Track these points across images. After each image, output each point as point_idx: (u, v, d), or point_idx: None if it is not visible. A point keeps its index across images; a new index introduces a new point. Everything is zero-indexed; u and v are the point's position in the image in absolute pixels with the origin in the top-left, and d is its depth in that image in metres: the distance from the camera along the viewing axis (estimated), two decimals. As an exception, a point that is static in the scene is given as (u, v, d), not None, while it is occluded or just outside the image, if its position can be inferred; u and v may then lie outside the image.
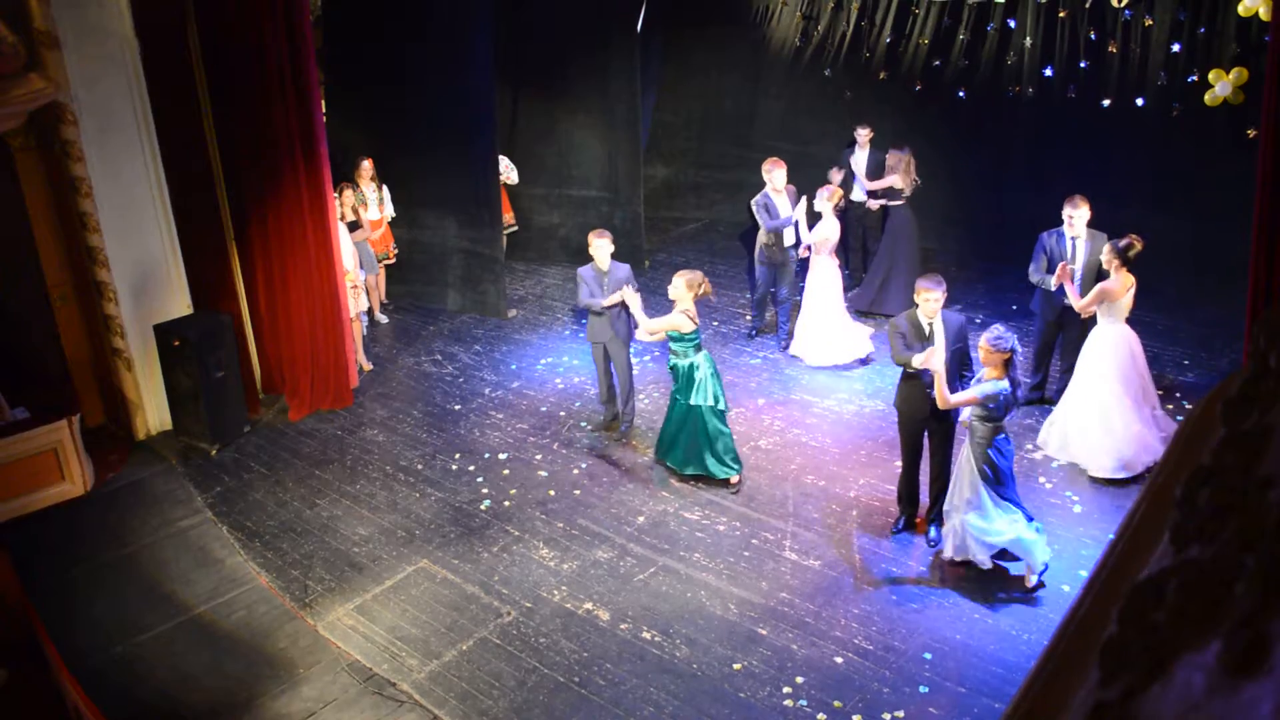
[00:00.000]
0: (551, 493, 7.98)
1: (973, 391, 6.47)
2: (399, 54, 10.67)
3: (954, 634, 6.32)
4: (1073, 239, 8.20)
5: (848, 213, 11.00)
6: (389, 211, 10.87)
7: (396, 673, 6.24)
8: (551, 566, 7.13)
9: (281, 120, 8.45)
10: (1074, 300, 7.83)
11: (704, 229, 13.55)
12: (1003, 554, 6.71)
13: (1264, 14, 9.59)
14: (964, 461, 6.60)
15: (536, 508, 7.79)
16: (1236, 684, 0.83)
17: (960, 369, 6.98)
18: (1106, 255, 7.67)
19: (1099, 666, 0.96)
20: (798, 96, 13.13)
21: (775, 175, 9.77)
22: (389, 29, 10.69)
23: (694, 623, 6.53)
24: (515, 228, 12.03)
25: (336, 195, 9.42)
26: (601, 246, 8.33)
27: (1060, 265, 7.99)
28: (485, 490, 8.05)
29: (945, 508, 6.90)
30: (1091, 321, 8.08)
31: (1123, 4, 10.57)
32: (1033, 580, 6.61)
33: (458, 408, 9.33)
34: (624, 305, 8.28)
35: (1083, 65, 10.91)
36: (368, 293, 10.26)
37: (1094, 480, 7.74)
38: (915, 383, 7.04)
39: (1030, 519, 6.61)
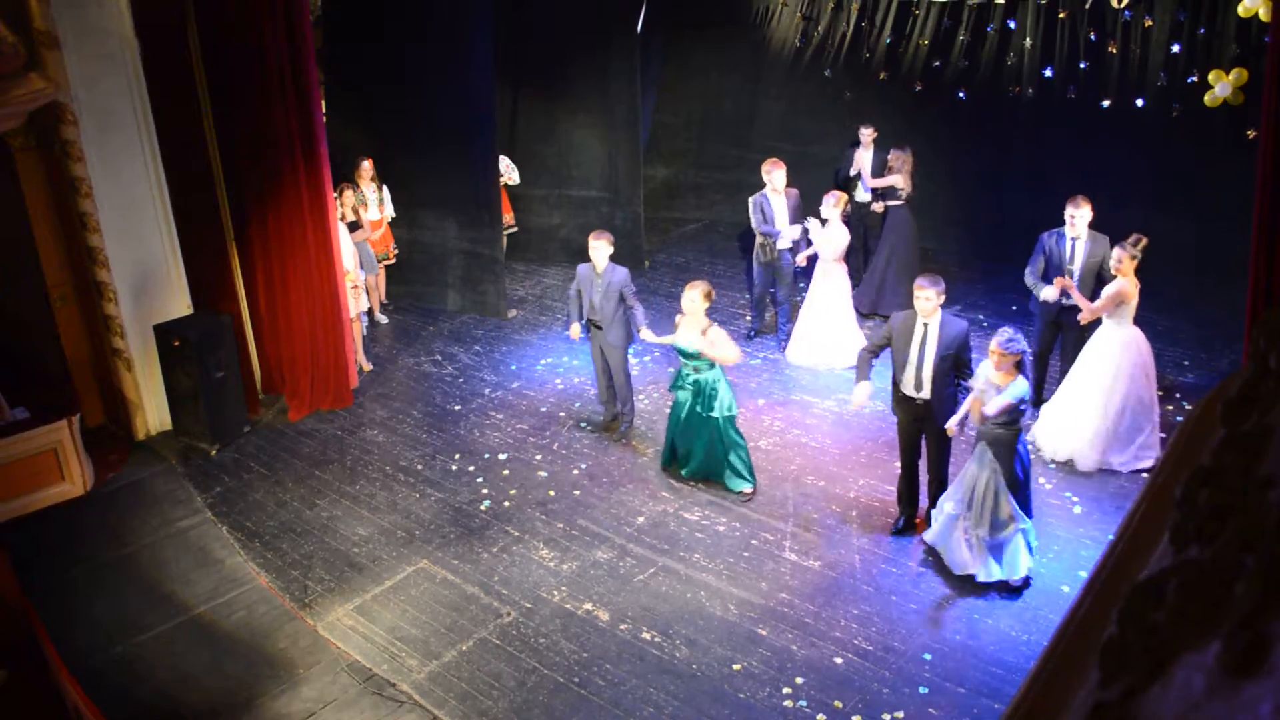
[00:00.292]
0: (551, 493, 7.98)
1: (1006, 398, 6.34)
2: (399, 54, 10.67)
3: (954, 634, 6.33)
4: (1073, 240, 8.20)
5: (851, 215, 11.03)
6: (389, 212, 10.87)
7: (396, 673, 6.24)
8: (551, 567, 7.13)
9: (281, 120, 8.45)
10: (1083, 305, 7.82)
11: (704, 229, 13.55)
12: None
13: (1264, 15, 9.60)
14: (986, 476, 6.46)
15: (536, 508, 7.79)
16: (1236, 684, 0.83)
17: (956, 375, 6.91)
18: (1118, 257, 7.62)
19: (1099, 667, 0.96)
20: (798, 97, 13.14)
21: (775, 176, 9.77)
22: (389, 29, 10.69)
23: (694, 623, 6.53)
24: (515, 228, 12.03)
25: (336, 195, 9.43)
26: (599, 249, 8.32)
27: (1057, 279, 8.00)
28: (485, 491, 8.05)
29: (964, 522, 6.66)
30: (1092, 324, 8.11)
31: (1122, 5, 10.57)
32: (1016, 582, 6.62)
33: (458, 408, 9.33)
34: (620, 307, 8.28)
35: (1083, 66, 10.91)
36: (368, 293, 10.26)
37: (1088, 475, 7.76)
38: (903, 395, 7.08)
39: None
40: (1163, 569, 0.98)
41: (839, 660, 6.16)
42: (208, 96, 8.57)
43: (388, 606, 6.82)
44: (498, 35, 11.19)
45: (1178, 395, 8.91)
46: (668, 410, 9.07)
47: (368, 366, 10.02)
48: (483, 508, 7.83)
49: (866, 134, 10.87)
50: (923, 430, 7.08)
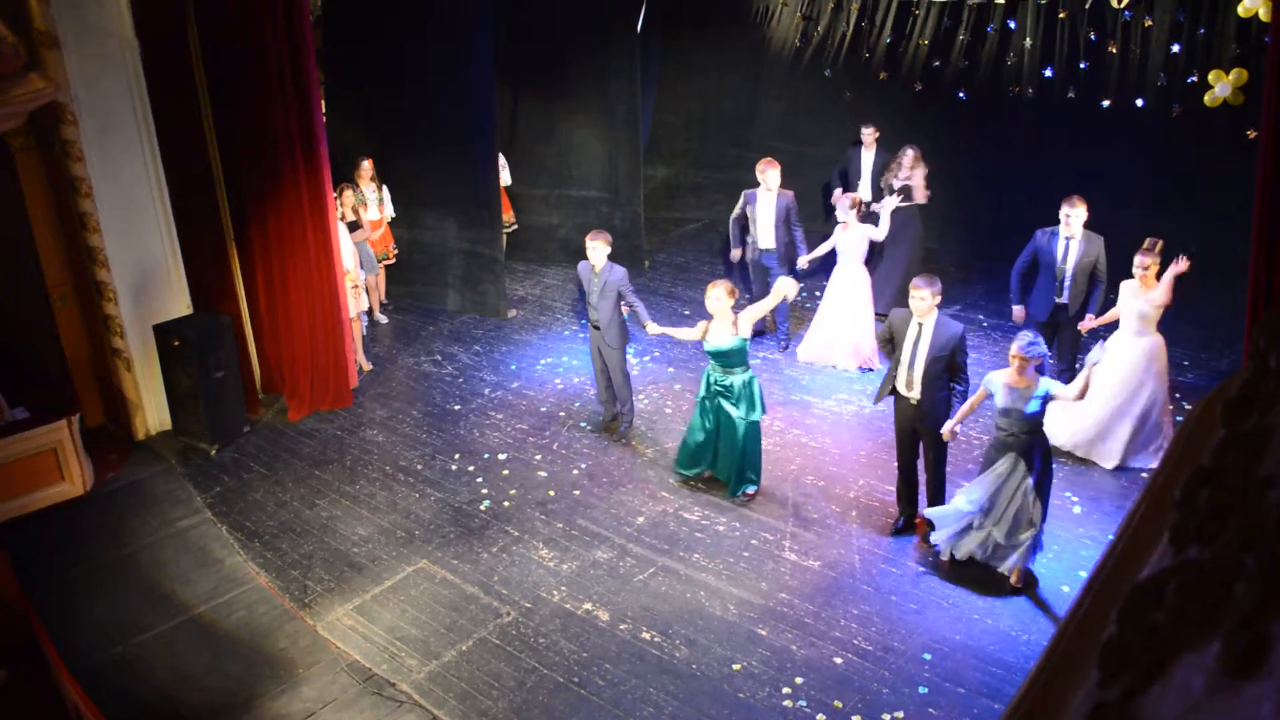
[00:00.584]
0: (551, 493, 7.98)
1: (1071, 388, 6.46)
2: (399, 54, 10.67)
3: (954, 634, 6.32)
4: (1067, 239, 8.22)
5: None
6: (389, 212, 10.87)
7: (396, 673, 6.24)
8: (551, 567, 7.12)
9: (281, 120, 8.45)
10: (1091, 322, 8.00)
11: (704, 229, 13.55)
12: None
13: (1264, 15, 9.60)
14: (1017, 482, 6.42)
15: (536, 508, 7.79)
16: (1236, 685, 0.83)
17: (949, 378, 6.89)
18: (1152, 265, 7.58)
19: (1099, 667, 0.96)
20: (798, 97, 13.13)
21: (769, 175, 9.75)
22: (389, 29, 10.69)
23: (693, 623, 6.53)
24: (515, 226, 12.03)
25: (336, 196, 9.42)
26: (597, 249, 8.31)
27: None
28: (485, 490, 8.05)
29: (980, 519, 6.61)
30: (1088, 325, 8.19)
31: (1122, 5, 10.57)
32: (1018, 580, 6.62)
33: (457, 408, 9.33)
34: (618, 307, 8.28)
35: (1083, 66, 10.91)
36: (368, 293, 10.25)
37: (1088, 475, 7.76)
38: (897, 393, 7.09)
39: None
40: (1163, 569, 0.98)
41: (839, 660, 6.16)
42: (208, 96, 8.57)
43: (387, 606, 6.82)
44: (498, 35, 11.18)
45: (1178, 395, 8.90)
46: (667, 410, 9.09)
47: (367, 366, 10.02)
48: (482, 508, 7.83)
49: (868, 134, 10.85)
50: (917, 430, 7.08)
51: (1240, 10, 9.84)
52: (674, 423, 8.88)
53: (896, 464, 7.39)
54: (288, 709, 6.02)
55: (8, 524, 7.57)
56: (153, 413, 8.89)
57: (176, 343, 8.37)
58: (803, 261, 9.83)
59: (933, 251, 11.67)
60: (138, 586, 7.12)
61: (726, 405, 7.57)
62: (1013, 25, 11.32)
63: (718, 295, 7.40)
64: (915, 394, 6.94)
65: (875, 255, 10.90)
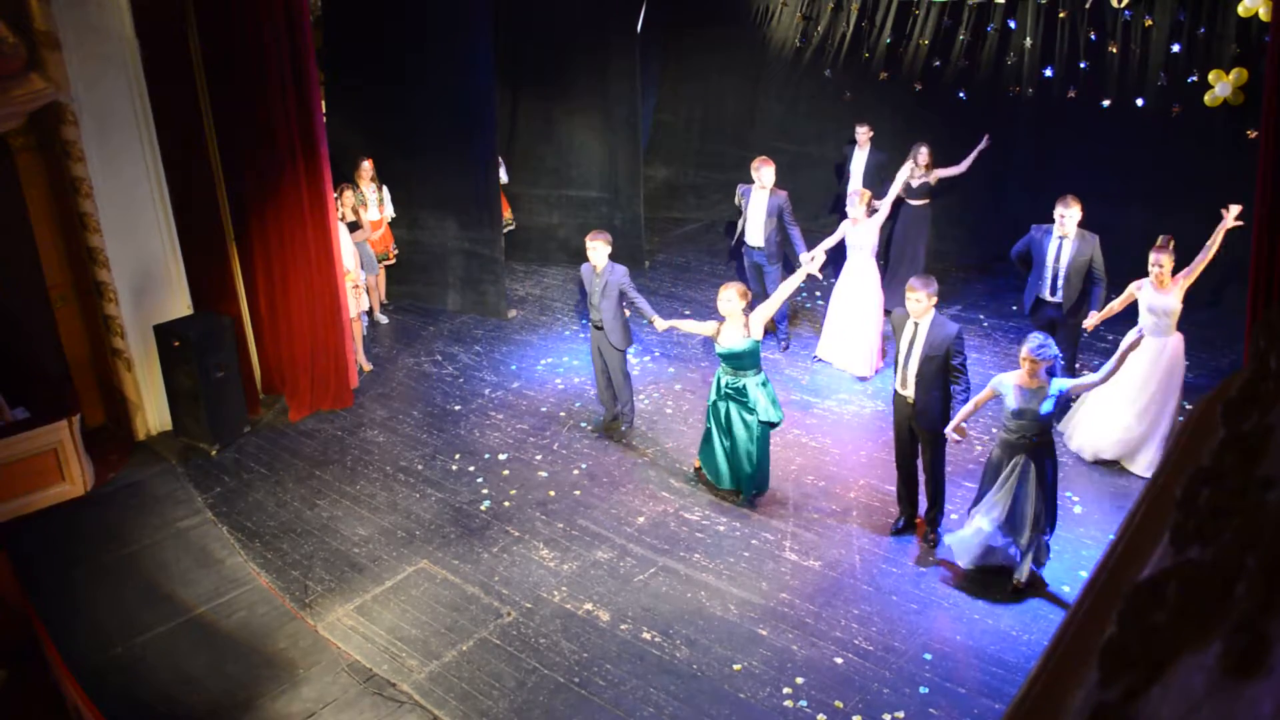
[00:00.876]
0: (551, 493, 7.98)
1: (1088, 380, 6.55)
2: (399, 54, 10.67)
3: (954, 634, 6.32)
4: (1060, 238, 8.22)
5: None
6: (389, 212, 10.87)
7: (396, 673, 6.24)
8: (551, 567, 7.12)
9: (281, 120, 8.45)
10: (1094, 319, 7.99)
11: (704, 229, 13.55)
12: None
13: (1264, 14, 9.60)
14: (1029, 488, 6.41)
15: (536, 508, 7.79)
16: (1237, 685, 0.83)
17: (944, 378, 6.87)
18: (1167, 263, 7.53)
19: (1099, 667, 0.96)
20: (798, 97, 13.14)
21: (763, 173, 9.74)
22: (389, 29, 10.69)
23: (694, 623, 6.53)
24: (513, 225, 12.03)
25: (336, 196, 9.42)
26: (597, 249, 8.30)
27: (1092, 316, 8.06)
28: (485, 491, 8.05)
29: (1004, 538, 6.58)
30: (1082, 324, 8.18)
31: (1123, 4, 10.57)
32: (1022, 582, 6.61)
33: (458, 408, 9.33)
34: (620, 307, 8.29)
35: (1083, 66, 10.91)
36: (368, 293, 10.26)
37: (1089, 475, 7.76)
38: (895, 392, 7.10)
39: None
40: (1163, 569, 0.98)
41: (839, 660, 6.16)
42: (208, 97, 8.57)
43: (388, 607, 6.82)
44: (498, 35, 11.18)
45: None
46: (668, 411, 9.09)
47: (368, 366, 10.02)
48: (483, 508, 7.83)
49: (862, 133, 10.85)
50: (914, 429, 7.08)
51: (1240, 10, 9.84)
52: (674, 423, 8.88)
53: (896, 464, 7.39)
54: (288, 709, 6.02)
55: (8, 524, 7.57)
56: (153, 413, 8.89)
57: (177, 343, 8.37)
58: (806, 257, 9.78)
59: (933, 251, 11.66)
60: (138, 587, 7.12)
61: (739, 408, 7.52)
62: (1013, 25, 11.33)
63: (729, 297, 7.34)
64: (910, 393, 6.96)
65: (888, 253, 10.89)
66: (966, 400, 6.72)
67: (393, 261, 11.08)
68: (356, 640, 6.53)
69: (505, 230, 11.62)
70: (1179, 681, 0.88)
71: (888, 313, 10.24)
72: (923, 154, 10.27)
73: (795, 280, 7.62)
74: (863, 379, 9.47)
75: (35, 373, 8.37)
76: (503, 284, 11.16)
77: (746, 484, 7.65)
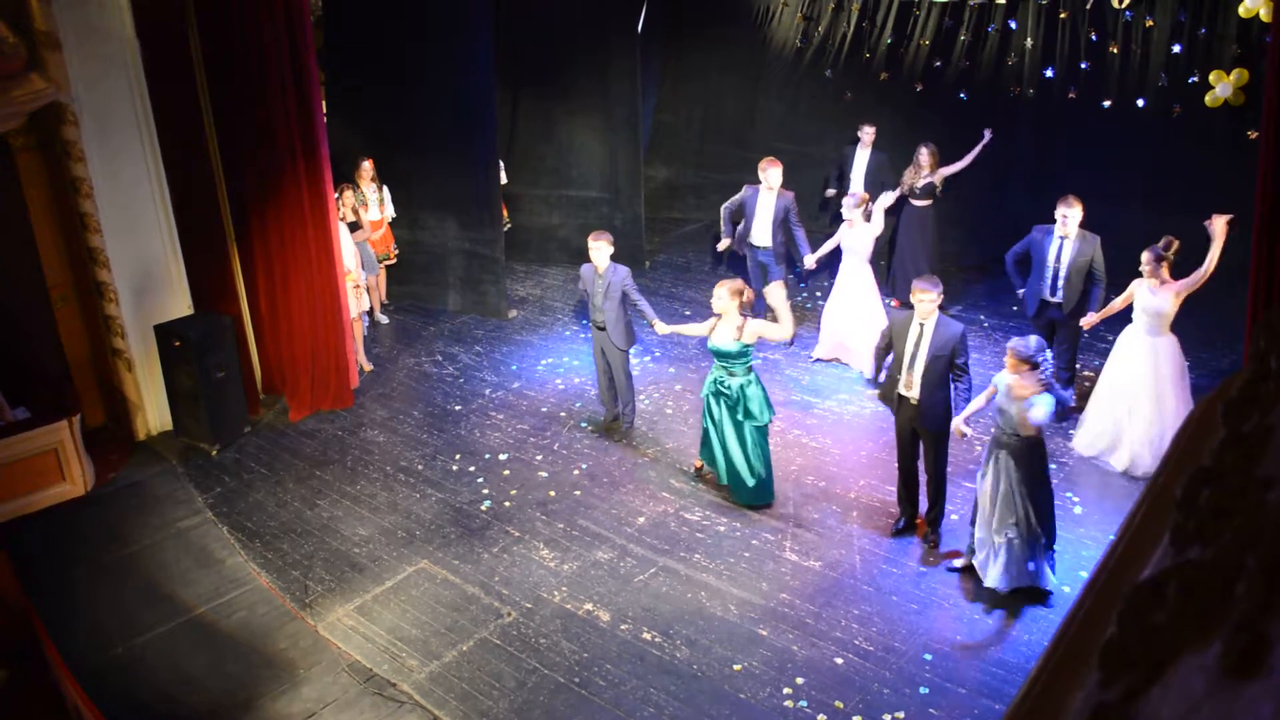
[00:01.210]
0: (552, 493, 7.98)
1: (1043, 411, 6.19)
2: (399, 54, 10.67)
3: (954, 635, 6.32)
4: (1061, 239, 8.22)
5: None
6: (389, 212, 10.87)
7: (397, 673, 6.24)
8: (552, 567, 7.12)
9: (281, 120, 8.45)
10: (1093, 319, 7.93)
11: (704, 229, 13.53)
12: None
13: (1264, 15, 9.60)
14: (1002, 484, 6.43)
15: (537, 508, 7.79)
16: (1237, 685, 0.83)
17: (951, 376, 6.90)
18: (1150, 264, 7.55)
19: (1099, 667, 0.96)
20: (798, 98, 13.13)
21: (770, 174, 9.76)
22: (389, 29, 10.69)
23: (694, 624, 6.53)
24: (508, 225, 12.02)
25: (337, 196, 9.42)
26: (600, 250, 8.31)
27: (1086, 321, 8.07)
28: (485, 491, 8.05)
29: (981, 535, 6.61)
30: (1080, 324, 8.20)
31: (1123, 5, 10.57)
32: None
33: (458, 408, 9.33)
34: (623, 307, 8.29)
35: (1083, 66, 10.91)
36: (369, 293, 10.25)
37: (1088, 475, 7.76)
38: (898, 394, 7.09)
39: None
40: (1163, 569, 0.98)
41: (839, 660, 6.16)
42: (208, 97, 8.57)
43: (388, 607, 6.82)
44: (498, 35, 11.18)
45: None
46: (668, 411, 9.09)
47: (368, 367, 10.02)
48: (483, 508, 7.83)
49: (867, 133, 10.84)
50: (917, 431, 7.08)
51: (1241, 10, 9.84)
52: (674, 423, 8.88)
53: (897, 465, 7.39)
54: (288, 709, 6.02)
55: (8, 524, 7.57)
56: (153, 413, 8.89)
57: (177, 343, 8.37)
58: (809, 260, 9.79)
59: (935, 252, 11.66)
60: (138, 587, 7.12)
61: (728, 409, 7.54)
62: (1014, 25, 11.32)
63: (720, 295, 7.36)
64: (915, 394, 6.95)
65: (890, 252, 10.89)
66: (970, 398, 6.75)
67: (393, 261, 11.08)
68: (356, 640, 6.53)
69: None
70: (1179, 681, 0.88)
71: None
72: (924, 155, 10.26)
73: (778, 299, 7.65)
74: (871, 380, 9.48)
75: (35, 373, 8.37)
76: (503, 284, 11.16)
77: (747, 495, 7.61)
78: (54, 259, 8.56)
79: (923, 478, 7.29)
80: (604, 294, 8.29)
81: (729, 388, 7.50)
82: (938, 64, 11.87)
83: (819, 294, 11.25)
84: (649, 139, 13.50)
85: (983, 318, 10.51)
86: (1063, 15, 10.94)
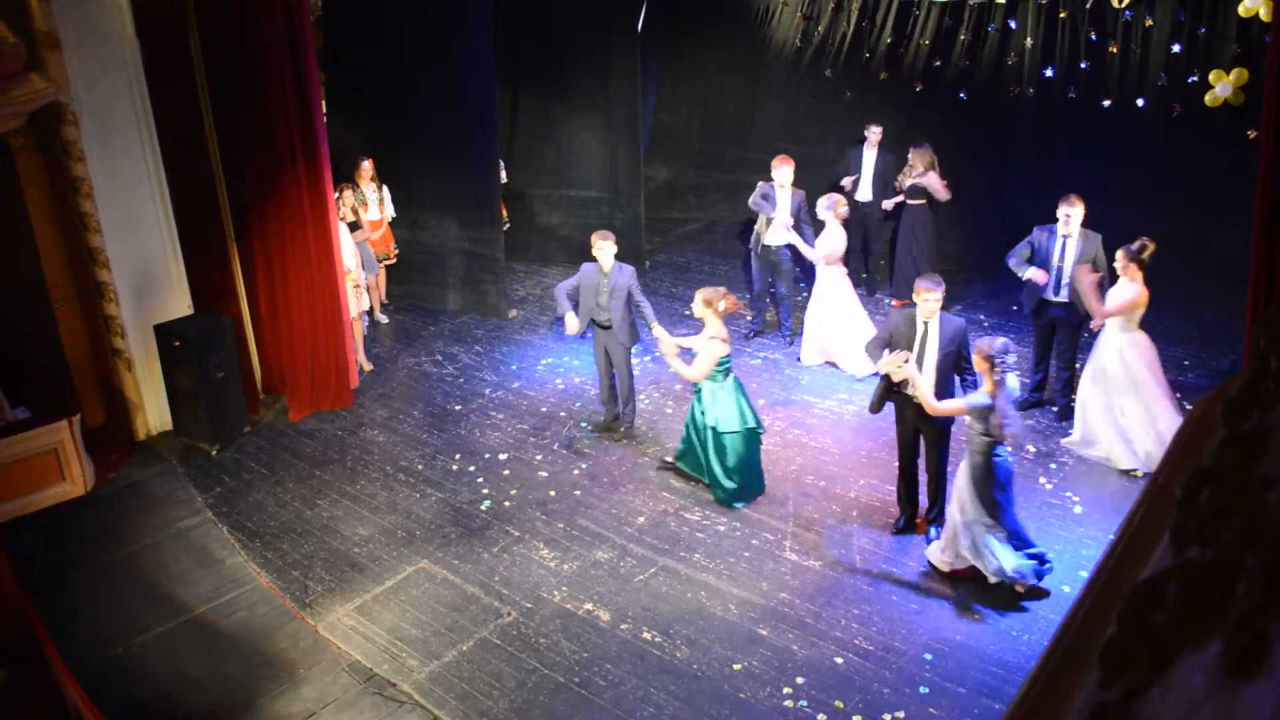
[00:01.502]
0: (552, 493, 7.98)
1: (959, 402, 6.47)
2: (399, 54, 10.68)
3: (954, 634, 6.32)
4: (1064, 237, 8.22)
5: (851, 216, 11.04)
6: (389, 212, 10.87)
7: (397, 673, 6.24)
8: (552, 567, 7.12)
9: (281, 120, 8.45)
10: (1093, 308, 7.71)
11: (704, 229, 13.55)
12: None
13: (1264, 15, 9.60)
14: (962, 474, 6.52)
15: (537, 508, 7.79)
16: (1237, 685, 0.83)
17: (959, 371, 6.95)
18: (1121, 261, 7.60)
19: (1099, 667, 0.96)
20: (798, 97, 13.14)
21: (781, 172, 9.75)
22: (389, 29, 10.69)
23: (694, 623, 6.53)
24: (507, 224, 12.02)
25: (336, 196, 9.42)
26: (605, 249, 8.31)
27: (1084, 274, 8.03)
28: (485, 491, 8.05)
29: (948, 514, 6.82)
30: (1084, 324, 8.16)
31: (1123, 5, 10.57)
32: (1021, 588, 6.58)
33: (458, 408, 9.33)
34: (628, 307, 8.29)
35: (1083, 66, 10.91)
36: (369, 293, 10.25)
37: (1088, 475, 7.76)
38: (896, 394, 7.09)
39: (1023, 545, 6.53)
40: (1163, 569, 0.98)
41: (839, 660, 6.16)
42: (208, 97, 8.57)
43: (388, 606, 6.82)
44: (498, 35, 11.18)
45: (1178, 395, 8.87)
46: (668, 411, 9.11)
47: (368, 366, 10.02)
48: (483, 508, 7.83)
49: (874, 133, 10.81)
50: (920, 430, 7.09)
51: (1241, 10, 9.84)
52: (674, 423, 8.87)
53: (897, 464, 7.39)
54: (288, 709, 6.02)
55: (8, 524, 7.57)
56: (153, 413, 8.89)
57: (177, 343, 8.37)
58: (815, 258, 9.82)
59: (936, 251, 11.66)
60: (138, 587, 7.12)
61: (696, 409, 7.70)
62: (1013, 25, 11.32)
63: (696, 303, 7.58)
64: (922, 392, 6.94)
65: (891, 253, 10.87)
66: (977, 390, 6.78)
67: (393, 261, 11.08)
68: (356, 640, 6.53)
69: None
70: (1179, 681, 0.88)
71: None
72: (912, 155, 10.28)
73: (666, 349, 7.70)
74: (861, 379, 9.47)
75: (35, 373, 8.37)
76: (503, 284, 11.16)
77: (723, 495, 7.67)
78: (54, 259, 8.56)
79: (923, 477, 7.30)
80: (609, 294, 8.29)
81: (699, 389, 7.63)
82: (938, 64, 11.87)
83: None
84: (649, 139, 13.50)
85: (983, 317, 10.51)
86: (1062, 15, 10.95)
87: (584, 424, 8.94)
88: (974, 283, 11.34)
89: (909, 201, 10.42)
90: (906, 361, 6.72)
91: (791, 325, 10.21)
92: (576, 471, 8.26)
